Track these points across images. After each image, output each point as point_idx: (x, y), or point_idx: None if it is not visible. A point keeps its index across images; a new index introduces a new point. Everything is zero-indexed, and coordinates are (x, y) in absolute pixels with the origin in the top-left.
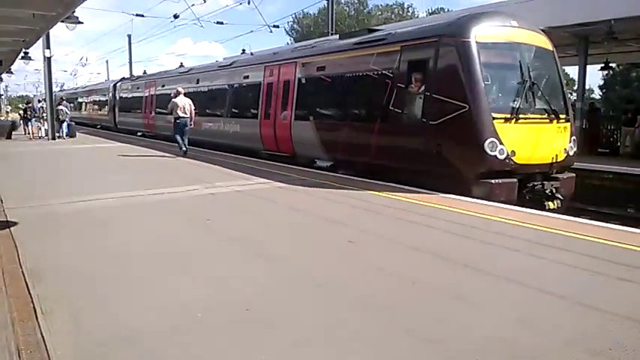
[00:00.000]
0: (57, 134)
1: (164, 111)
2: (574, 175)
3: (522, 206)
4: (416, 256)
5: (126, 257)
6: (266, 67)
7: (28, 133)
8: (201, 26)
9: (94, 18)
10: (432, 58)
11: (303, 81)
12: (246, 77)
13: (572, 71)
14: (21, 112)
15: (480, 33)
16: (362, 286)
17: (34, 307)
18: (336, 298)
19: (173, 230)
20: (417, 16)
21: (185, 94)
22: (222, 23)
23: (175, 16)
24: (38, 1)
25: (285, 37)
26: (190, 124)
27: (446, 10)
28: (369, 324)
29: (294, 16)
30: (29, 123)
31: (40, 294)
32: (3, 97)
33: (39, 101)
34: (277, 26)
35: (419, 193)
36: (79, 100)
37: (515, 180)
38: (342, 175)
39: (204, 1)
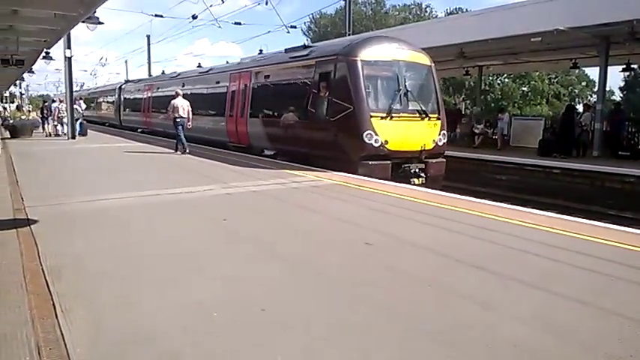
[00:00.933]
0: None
1: (157, 110)
2: (444, 160)
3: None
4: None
5: (144, 256)
6: (230, 75)
7: (45, 132)
8: (219, 27)
9: (114, 18)
10: (332, 71)
11: (256, 87)
12: (217, 82)
13: (593, 72)
14: (38, 111)
15: (365, 53)
16: (371, 285)
17: (53, 305)
18: (353, 297)
19: (191, 230)
20: (436, 16)
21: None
22: (239, 24)
23: (194, 17)
24: (59, 1)
25: (302, 37)
26: (188, 124)
27: (464, 9)
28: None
29: (311, 16)
30: (46, 122)
31: (59, 291)
32: (24, 96)
33: (53, 101)
34: (294, 27)
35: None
36: (91, 100)
37: (389, 162)
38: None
39: (223, 2)
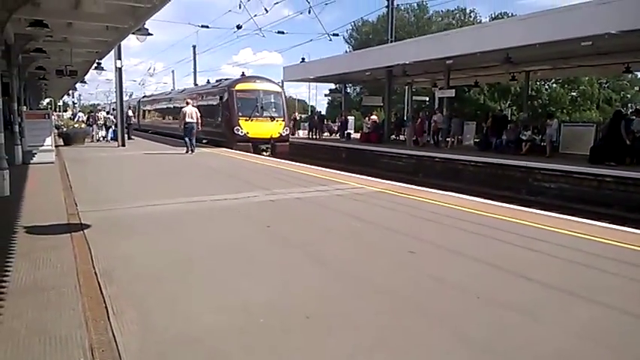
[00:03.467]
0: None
1: (159, 117)
2: (287, 143)
3: (256, 153)
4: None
5: (192, 261)
6: (189, 94)
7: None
8: (263, 36)
9: (162, 30)
10: (224, 96)
11: (201, 102)
12: (184, 99)
13: None
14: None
15: (239, 86)
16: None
17: (106, 307)
18: (397, 306)
19: (236, 236)
20: (480, 21)
21: (159, 108)
22: (282, 33)
23: (238, 27)
24: (111, 14)
25: (344, 45)
26: (198, 128)
27: (509, 14)
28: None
29: (352, 24)
30: (92, 129)
31: (111, 294)
32: (76, 105)
33: (98, 111)
34: (337, 34)
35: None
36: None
37: (250, 143)
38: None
39: (267, 12)
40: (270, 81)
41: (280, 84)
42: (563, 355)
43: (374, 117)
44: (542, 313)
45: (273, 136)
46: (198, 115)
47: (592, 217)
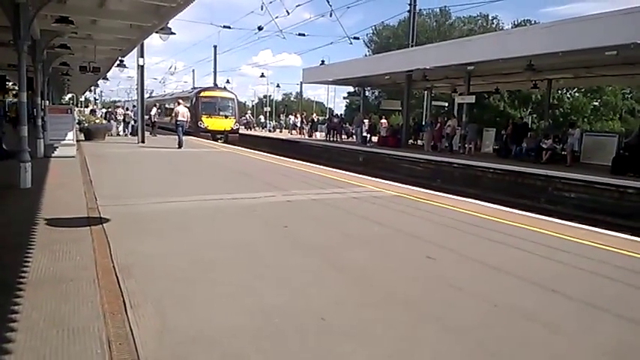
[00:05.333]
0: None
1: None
2: (237, 135)
3: (221, 142)
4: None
5: (209, 259)
6: (177, 97)
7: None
8: (284, 38)
9: (184, 29)
10: (193, 100)
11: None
12: (174, 100)
13: None
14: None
15: (203, 94)
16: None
17: (123, 301)
18: (416, 315)
19: (253, 235)
20: (502, 28)
21: (159, 107)
22: (303, 35)
23: (260, 28)
24: (135, 12)
25: (364, 48)
26: (186, 126)
27: (532, 22)
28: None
29: (373, 28)
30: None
31: (129, 288)
32: (98, 101)
33: (116, 107)
34: (357, 38)
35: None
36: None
37: (210, 133)
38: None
39: (288, 14)
40: (227, 90)
41: (234, 93)
42: None
43: (384, 121)
44: (565, 327)
45: (227, 129)
46: (189, 114)
47: (613, 228)
